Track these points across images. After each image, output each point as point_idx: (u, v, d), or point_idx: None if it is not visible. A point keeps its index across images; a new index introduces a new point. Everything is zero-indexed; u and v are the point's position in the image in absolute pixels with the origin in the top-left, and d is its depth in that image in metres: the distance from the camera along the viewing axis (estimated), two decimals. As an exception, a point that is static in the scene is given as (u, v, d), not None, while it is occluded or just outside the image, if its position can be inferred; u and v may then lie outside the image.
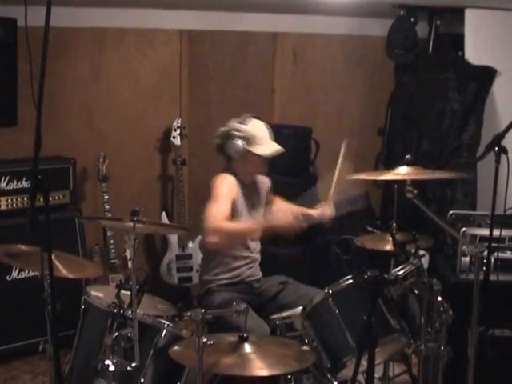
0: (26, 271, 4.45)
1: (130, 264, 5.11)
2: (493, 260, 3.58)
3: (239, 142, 3.61)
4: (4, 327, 4.40)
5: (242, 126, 3.64)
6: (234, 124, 3.67)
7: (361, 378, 3.44)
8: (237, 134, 3.62)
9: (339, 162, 3.82)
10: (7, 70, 4.48)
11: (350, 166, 3.81)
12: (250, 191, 3.77)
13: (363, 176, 3.23)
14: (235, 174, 3.70)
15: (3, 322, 4.40)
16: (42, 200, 2.31)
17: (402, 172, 3.16)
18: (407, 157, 3.22)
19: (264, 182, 3.92)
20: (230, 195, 3.59)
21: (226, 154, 3.70)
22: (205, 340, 2.47)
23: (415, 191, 3.00)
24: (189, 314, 2.50)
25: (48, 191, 2.33)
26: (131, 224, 2.70)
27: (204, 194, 3.63)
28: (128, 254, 5.04)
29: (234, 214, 3.59)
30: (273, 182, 3.97)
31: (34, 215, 2.29)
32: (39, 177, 2.29)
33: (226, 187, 3.61)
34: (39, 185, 2.31)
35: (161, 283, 5.36)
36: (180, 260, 5.34)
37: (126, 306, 2.91)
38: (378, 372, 3.54)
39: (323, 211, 3.88)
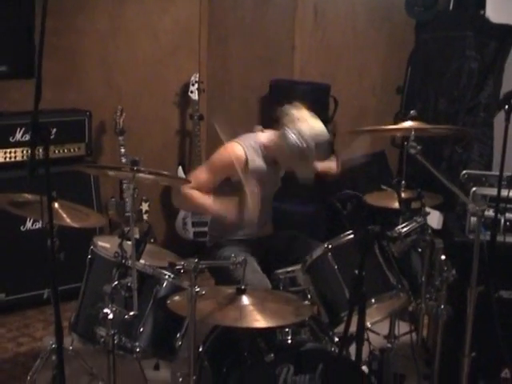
0: (40, 222, 4.50)
1: (145, 217, 5.17)
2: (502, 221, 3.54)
3: (295, 146, 3.37)
4: (18, 277, 4.47)
5: (309, 141, 3.36)
6: (307, 129, 3.38)
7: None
8: (301, 142, 3.36)
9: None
10: (26, 24, 4.50)
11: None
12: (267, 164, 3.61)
13: (363, 128, 3.19)
14: (261, 143, 3.56)
15: (18, 272, 4.46)
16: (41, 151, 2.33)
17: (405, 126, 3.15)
18: (412, 112, 3.20)
19: None
20: (223, 173, 3.49)
21: (278, 126, 3.48)
22: (197, 290, 2.50)
23: (418, 147, 2.97)
24: (182, 263, 2.52)
25: (48, 142, 2.36)
26: (130, 173, 2.72)
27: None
28: (143, 207, 5.11)
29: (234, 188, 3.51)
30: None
31: (34, 166, 2.31)
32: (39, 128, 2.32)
33: (224, 166, 3.47)
34: (40, 135, 2.33)
35: (176, 238, 5.41)
36: (195, 215, 5.34)
37: (128, 256, 2.94)
38: (384, 330, 3.56)
39: (328, 165, 3.90)
